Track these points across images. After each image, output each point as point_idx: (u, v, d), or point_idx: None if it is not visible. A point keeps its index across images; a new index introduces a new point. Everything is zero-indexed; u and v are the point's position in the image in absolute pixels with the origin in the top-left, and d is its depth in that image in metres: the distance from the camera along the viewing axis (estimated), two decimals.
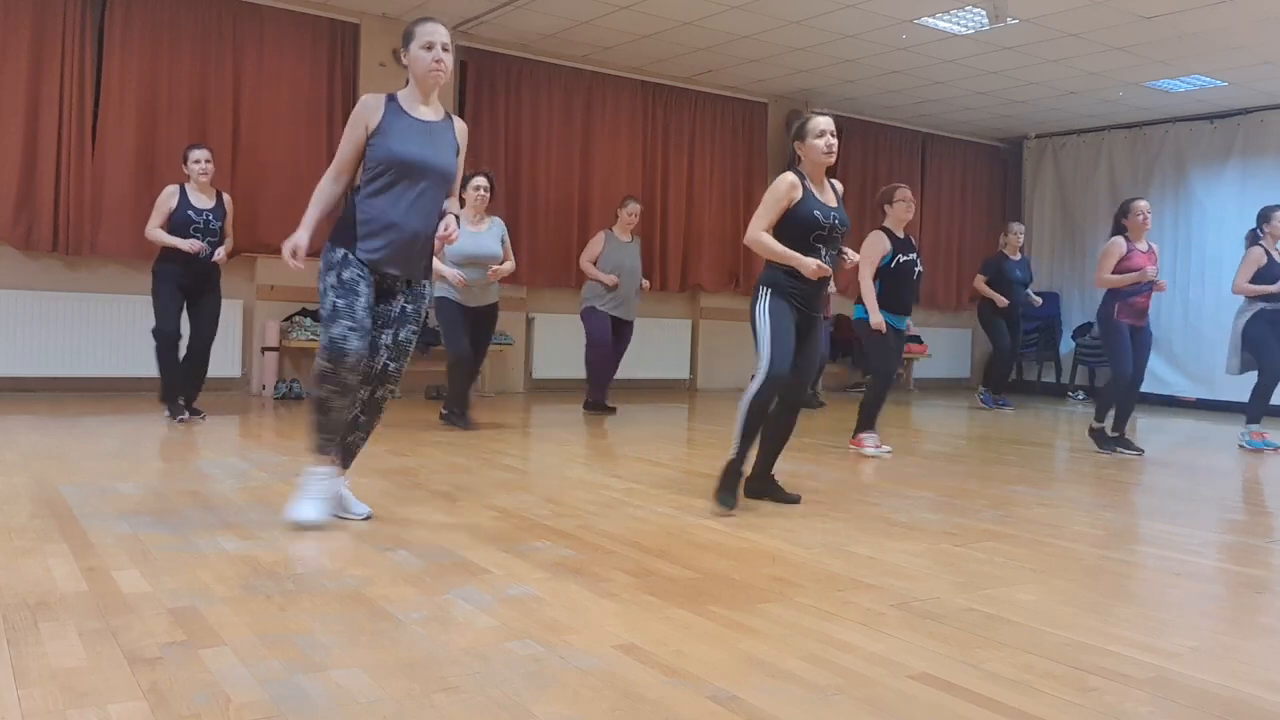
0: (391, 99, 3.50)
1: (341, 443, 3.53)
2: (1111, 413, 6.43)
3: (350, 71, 8.65)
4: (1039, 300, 9.82)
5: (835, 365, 11.32)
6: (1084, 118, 11.32)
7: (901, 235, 6.05)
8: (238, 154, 8.11)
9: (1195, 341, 10.78)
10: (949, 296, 12.41)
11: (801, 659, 2.28)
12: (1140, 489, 5.25)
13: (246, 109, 8.16)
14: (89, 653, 2.14)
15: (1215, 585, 3.20)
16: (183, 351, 6.17)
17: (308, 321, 8.28)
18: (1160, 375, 11.10)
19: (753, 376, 4.05)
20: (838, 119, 9.66)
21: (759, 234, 4.10)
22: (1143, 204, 6.32)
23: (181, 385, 6.19)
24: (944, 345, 12.34)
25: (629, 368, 8.48)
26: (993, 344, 9.63)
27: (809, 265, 3.98)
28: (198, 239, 6.03)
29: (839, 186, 4.34)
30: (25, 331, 7.35)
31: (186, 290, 6.14)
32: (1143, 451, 6.41)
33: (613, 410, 7.72)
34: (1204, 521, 4.29)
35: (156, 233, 6.04)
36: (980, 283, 9.39)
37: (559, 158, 9.65)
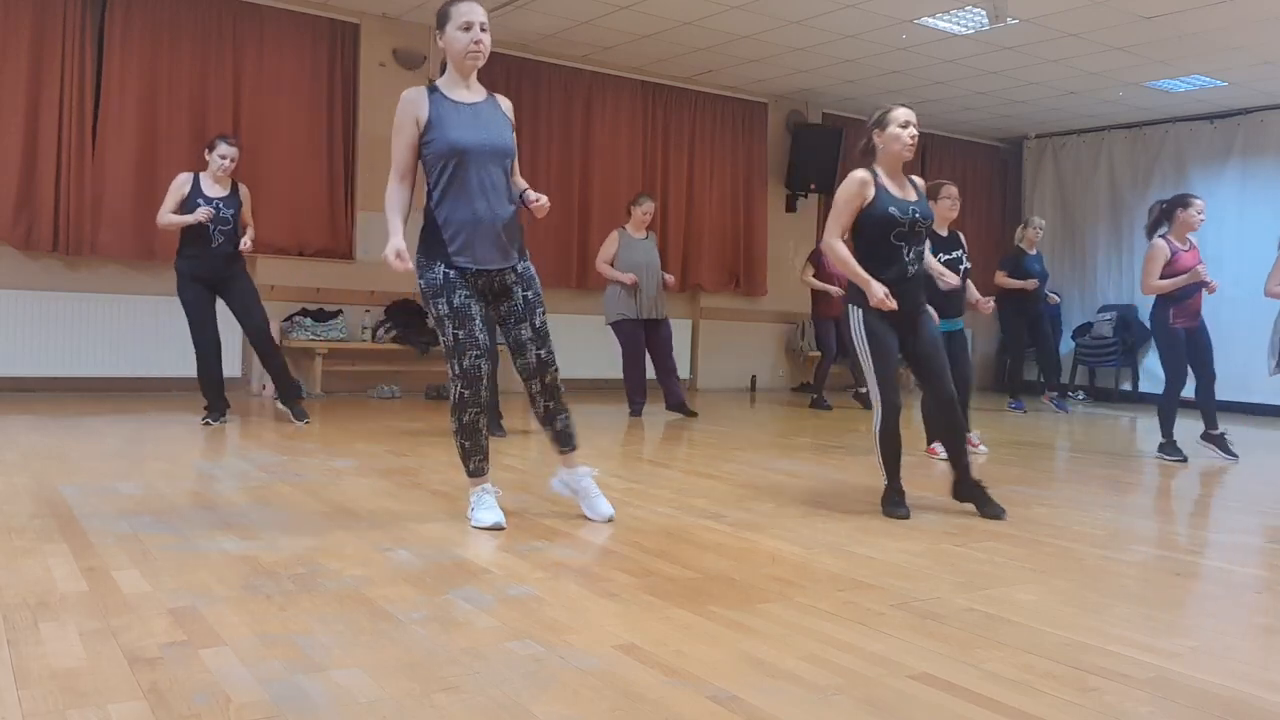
0: (433, 89, 3.41)
1: (554, 434, 3.66)
2: (1165, 419, 6.20)
3: (350, 71, 8.65)
4: (1056, 298, 9.66)
5: (836, 365, 11.31)
6: (1084, 118, 11.32)
7: (945, 233, 5.75)
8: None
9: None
10: None
11: (801, 659, 2.28)
12: (1140, 489, 5.25)
13: (246, 109, 8.16)
14: (89, 653, 2.14)
15: (1215, 585, 3.20)
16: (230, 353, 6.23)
17: (308, 321, 8.29)
18: (1160, 375, 11.09)
19: (874, 412, 4.02)
20: (837, 119, 9.57)
21: (833, 242, 3.93)
22: (1200, 201, 5.96)
23: (221, 390, 6.10)
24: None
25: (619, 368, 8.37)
26: (1007, 344, 9.41)
27: (875, 294, 3.79)
28: (209, 228, 5.86)
29: (919, 182, 4.11)
30: (25, 331, 7.35)
31: (212, 285, 5.98)
32: (1237, 458, 6.15)
33: (694, 414, 7.59)
34: (1204, 521, 4.29)
35: (166, 217, 5.88)
36: (1001, 278, 9.04)
37: (559, 158, 9.65)
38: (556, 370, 3.60)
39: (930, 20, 8.12)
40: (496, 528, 3.44)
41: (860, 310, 3.92)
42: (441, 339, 3.43)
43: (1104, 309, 11.60)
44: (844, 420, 8.20)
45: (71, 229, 7.48)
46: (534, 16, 8.41)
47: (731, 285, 10.82)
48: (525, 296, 3.53)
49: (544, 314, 3.56)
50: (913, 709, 2.02)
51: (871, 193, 3.87)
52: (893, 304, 3.79)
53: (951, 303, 5.53)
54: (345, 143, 8.66)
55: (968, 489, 4.11)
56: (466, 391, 3.41)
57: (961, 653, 2.37)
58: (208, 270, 5.93)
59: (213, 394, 6.08)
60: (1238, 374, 9.95)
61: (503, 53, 9.27)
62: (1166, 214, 6.02)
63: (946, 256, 5.55)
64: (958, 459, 4.13)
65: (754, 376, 11.05)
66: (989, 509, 4.03)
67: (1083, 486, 5.16)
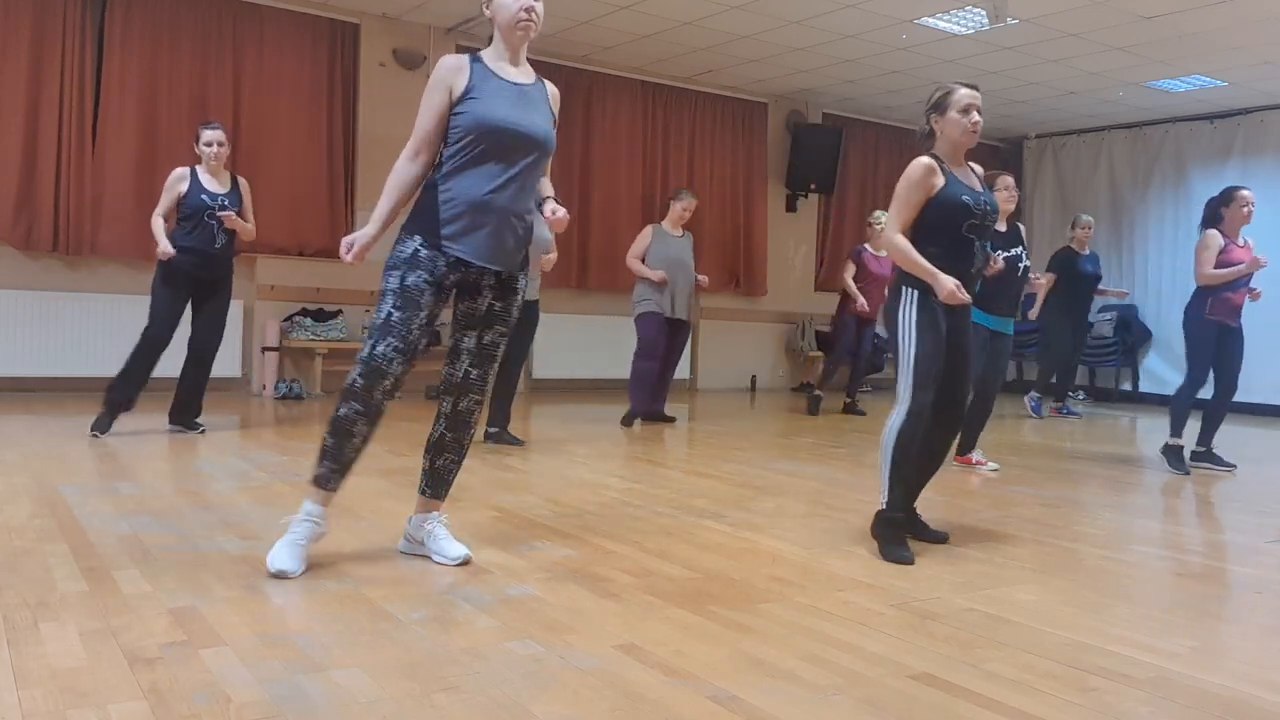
0: (476, 59, 2.99)
1: (429, 469, 3.12)
2: (1176, 425, 5.89)
3: (350, 71, 8.65)
4: (1125, 292, 9.39)
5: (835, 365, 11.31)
6: (1084, 118, 11.32)
7: (1004, 227, 5.34)
8: (237, 154, 8.07)
9: None
10: None
11: (801, 659, 2.28)
12: (1140, 489, 5.25)
13: (246, 109, 8.17)
14: (89, 653, 2.14)
15: (1215, 585, 3.20)
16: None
17: (308, 321, 8.29)
18: (1160, 375, 11.10)
19: (893, 408, 3.47)
20: (837, 119, 9.48)
21: (895, 236, 3.47)
22: (1248, 193, 5.72)
23: (132, 400, 5.53)
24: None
25: (625, 368, 8.30)
26: (1053, 348, 8.99)
27: (944, 286, 3.34)
28: (213, 226, 5.46)
29: (979, 170, 3.72)
30: (25, 331, 7.35)
31: (194, 288, 5.56)
32: (1234, 467, 5.89)
33: (671, 420, 7.30)
34: (1204, 521, 4.29)
35: (155, 222, 5.48)
36: (1046, 281, 8.41)
37: (559, 157, 9.60)
38: (479, 403, 3.08)
39: (930, 20, 8.12)
40: (281, 575, 2.78)
41: (916, 293, 3.45)
42: (375, 316, 2.90)
43: (1104, 309, 11.59)
44: (846, 420, 8.20)
45: (71, 229, 7.48)
46: None
47: (731, 285, 10.82)
48: (492, 305, 3.04)
49: (502, 338, 3.07)
50: (913, 709, 2.02)
51: (940, 181, 3.45)
52: (965, 296, 3.37)
53: (1005, 300, 5.28)
54: (345, 143, 8.66)
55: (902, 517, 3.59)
56: (361, 381, 2.84)
57: (961, 653, 2.37)
58: (200, 270, 5.51)
59: (126, 393, 5.48)
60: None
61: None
62: (1215, 210, 5.79)
63: (1006, 254, 5.16)
64: (921, 481, 3.69)
65: (754, 376, 11.05)
66: (929, 533, 3.65)
67: (1083, 486, 5.16)
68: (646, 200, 10.17)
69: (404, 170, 2.95)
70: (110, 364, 7.69)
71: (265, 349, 8.18)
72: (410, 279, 2.87)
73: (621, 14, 8.29)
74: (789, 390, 11.16)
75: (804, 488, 4.67)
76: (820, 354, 11.19)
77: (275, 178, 8.13)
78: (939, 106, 3.59)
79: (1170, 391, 10.75)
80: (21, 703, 1.87)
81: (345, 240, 2.91)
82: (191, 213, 5.46)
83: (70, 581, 2.66)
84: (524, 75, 3.05)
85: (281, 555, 2.83)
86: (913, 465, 3.48)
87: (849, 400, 8.67)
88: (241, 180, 5.79)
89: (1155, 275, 11.22)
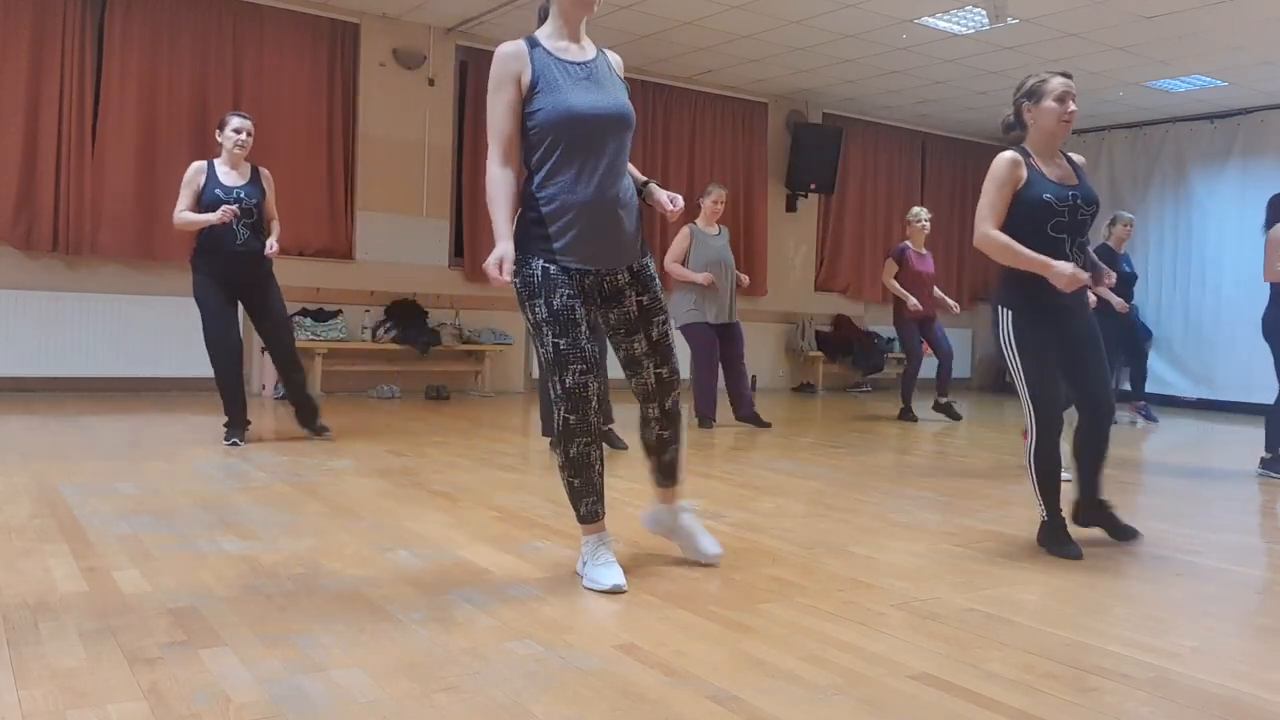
0: (533, 44, 2.82)
1: (659, 466, 3.10)
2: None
3: (350, 71, 8.65)
4: (1126, 306, 8.52)
5: (835, 365, 11.34)
6: (1084, 118, 11.29)
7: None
8: None
9: (1195, 341, 10.80)
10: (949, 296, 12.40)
11: (801, 659, 2.28)
12: (1140, 489, 5.25)
13: (246, 109, 8.09)
14: (89, 653, 2.14)
15: (1215, 585, 3.20)
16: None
17: (308, 321, 8.29)
18: (1160, 375, 11.10)
19: (1024, 431, 3.48)
20: (837, 119, 9.40)
21: (989, 231, 3.35)
22: None
23: (243, 404, 5.35)
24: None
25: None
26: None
27: (1062, 272, 3.20)
28: (232, 224, 5.17)
29: (1079, 160, 3.56)
30: (25, 331, 7.34)
31: (235, 287, 5.29)
32: None
33: (767, 425, 6.99)
34: (1204, 521, 4.29)
35: (183, 215, 5.16)
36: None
37: None
38: (679, 395, 3.03)
39: (930, 20, 8.12)
40: (616, 590, 2.77)
41: (1010, 314, 3.39)
42: (539, 350, 2.82)
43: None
44: (847, 421, 8.20)
45: (71, 229, 7.48)
46: (534, 16, 8.40)
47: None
48: (640, 302, 2.90)
49: (666, 323, 2.95)
50: (913, 709, 2.02)
51: (1024, 175, 3.34)
52: (1085, 277, 3.23)
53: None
54: (345, 143, 8.66)
55: (1094, 513, 3.69)
56: (572, 417, 2.77)
57: (961, 653, 2.37)
58: (232, 273, 5.24)
59: (234, 408, 5.33)
60: (1239, 374, 9.98)
61: None
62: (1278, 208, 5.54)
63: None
64: (1090, 480, 3.64)
65: (754, 376, 11.02)
66: (1120, 530, 3.66)
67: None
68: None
69: (502, 177, 2.79)
70: (110, 364, 7.77)
71: (265, 350, 8.18)
72: (557, 301, 2.75)
73: (621, 14, 8.29)
74: (789, 390, 11.16)
75: (804, 488, 4.67)
76: (820, 354, 11.20)
77: (275, 177, 8.08)
78: (1034, 94, 3.43)
79: (1170, 392, 10.84)
80: (21, 703, 1.87)
81: (491, 261, 2.71)
82: (206, 207, 5.15)
83: (70, 581, 2.66)
84: (586, 51, 2.87)
85: (609, 573, 2.81)
86: (1058, 475, 3.49)
87: (941, 401, 8.09)
88: (263, 170, 5.49)
89: (1155, 275, 11.21)
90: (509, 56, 2.78)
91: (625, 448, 5.47)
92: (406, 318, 8.58)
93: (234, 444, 5.23)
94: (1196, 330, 10.78)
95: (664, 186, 9.36)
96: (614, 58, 2.95)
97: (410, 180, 8.85)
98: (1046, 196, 3.33)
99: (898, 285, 7.84)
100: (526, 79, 2.76)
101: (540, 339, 2.80)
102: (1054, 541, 3.47)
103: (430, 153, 8.94)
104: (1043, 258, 3.26)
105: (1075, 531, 3.57)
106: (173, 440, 5.40)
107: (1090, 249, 3.54)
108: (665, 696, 2.03)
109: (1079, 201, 3.36)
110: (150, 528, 3.32)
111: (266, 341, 5.59)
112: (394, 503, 3.92)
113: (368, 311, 8.62)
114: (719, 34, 8.75)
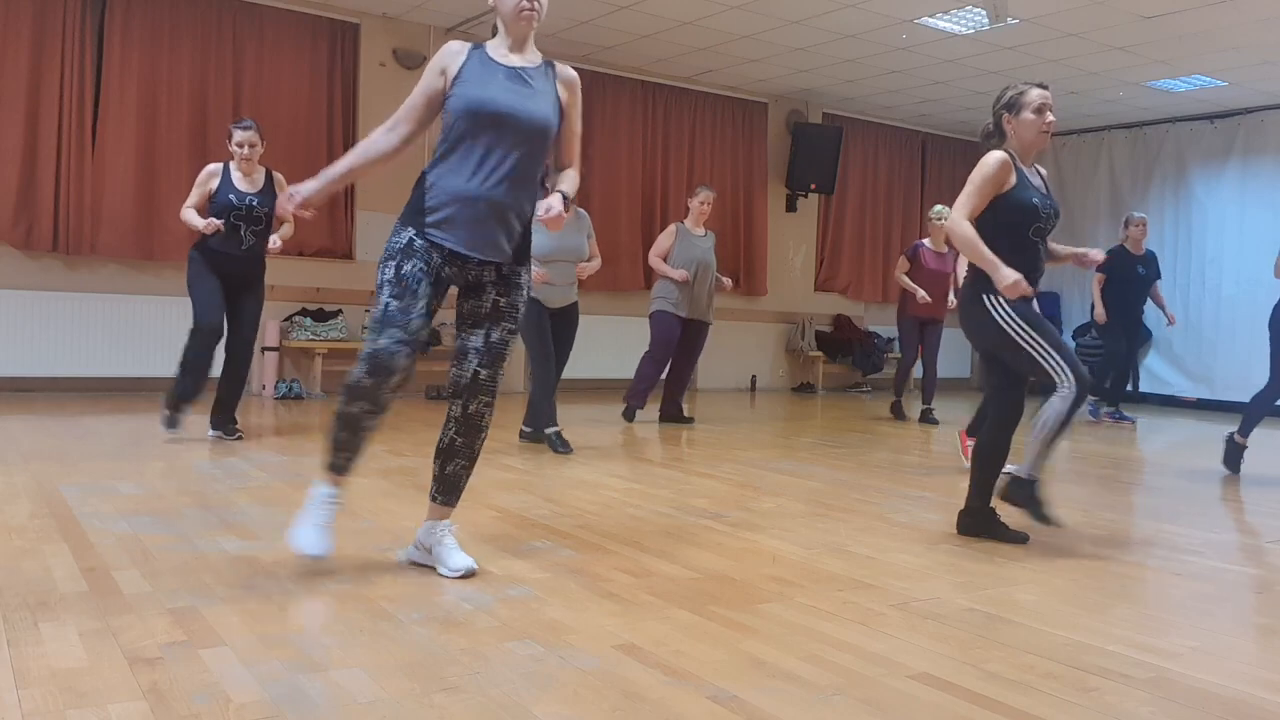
0: (477, 47, 2.89)
1: (439, 475, 2.98)
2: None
3: (350, 71, 8.65)
4: (1173, 316, 8.55)
5: (835, 365, 11.34)
6: (1084, 118, 11.32)
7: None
8: None
9: (1195, 341, 10.80)
10: None
11: (801, 659, 2.28)
12: (1140, 489, 5.25)
13: (246, 109, 8.15)
14: (89, 653, 2.14)
15: (1215, 585, 3.20)
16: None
17: (308, 321, 8.29)
18: (1160, 375, 11.12)
19: (1055, 394, 3.45)
20: (837, 119, 9.37)
21: (961, 222, 3.45)
22: None
23: (194, 394, 5.31)
24: (941, 345, 12.30)
25: (628, 366, 8.25)
26: (1105, 351, 8.59)
27: (1005, 279, 3.33)
28: (239, 228, 5.24)
29: (1044, 172, 3.76)
30: (25, 331, 7.35)
31: (227, 281, 5.32)
32: (1238, 475, 5.70)
33: (689, 420, 7.23)
34: (1204, 521, 4.29)
35: (186, 214, 5.27)
36: (1097, 284, 8.21)
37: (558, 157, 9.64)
38: (489, 406, 2.93)
39: (930, 20, 8.12)
40: (311, 557, 2.81)
41: (999, 297, 3.46)
42: (373, 310, 2.82)
43: None
44: (847, 421, 8.20)
45: (71, 229, 7.48)
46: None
47: (731, 285, 10.80)
48: (497, 302, 2.89)
49: (510, 334, 2.92)
50: (913, 709, 2.02)
51: (1013, 178, 3.45)
52: (1028, 288, 3.37)
53: None
54: (345, 143, 8.65)
55: (979, 517, 3.72)
56: (368, 381, 2.72)
57: (961, 653, 2.37)
58: (229, 270, 5.31)
59: (183, 386, 5.26)
60: (1238, 374, 9.98)
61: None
62: None
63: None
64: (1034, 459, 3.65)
65: (754, 376, 11.05)
66: (1007, 535, 3.65)
67: (1083, 487, 5.16)
68: (646, 200, 10.18)
69: (375, 137, 2.89)
70: (110, 364, 7.78)
71: (265, 349, 8.18)
72: (406, 267, 2.77)
73: (621, 14, 8.29)
74: (789, 390, 11.16)
75: (804, 488, 4.67)
76: (820, 354, 11.21)
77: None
78: (1013, 106, 3.57)
79: (1170, 392, 10.84)
80: (21, 703, 1.87)
81: (298, 187, 2.85)
82: (217, 213, 5.22)
83: (70, 581, 2.66)
84: (526, 60, 2.90)
85: (310, 537, 2.81)
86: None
87: (926, 409, 8.07)
88: (277, 176, 5.50)
89: None
90: (449, 51, 2.87)
91: (570, 452, 5.51)
92: None
93: (175, 430, 5.29)
94: (1196, 330, 10.78)
95: (664, 186, 9.27)
96: (565, 72, 2.97)
97: (410, 180, 8.71)
98: (1035, 201, 3.46)
99: (907, 280, 7.82)
100: (452, 73, 2.83)
101: (377, 298, 2.79)
102: (1032, 504, 3.58)
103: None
104: (995, 260, 3.39)
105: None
106: (173, 440, 5.40)
107: (1058, 248, 3.72)
108: (665, 696, 2.03)
109: (1053, 212, 3.54)
110: (150, 528, 3.32)
111: (230, 341, 5.49)
112: (394, 503, 3.92)
113: (368, 311, 8.61)
114: (719, 34, 8.75)
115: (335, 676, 2.07)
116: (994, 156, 3.48)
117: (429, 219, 2.81)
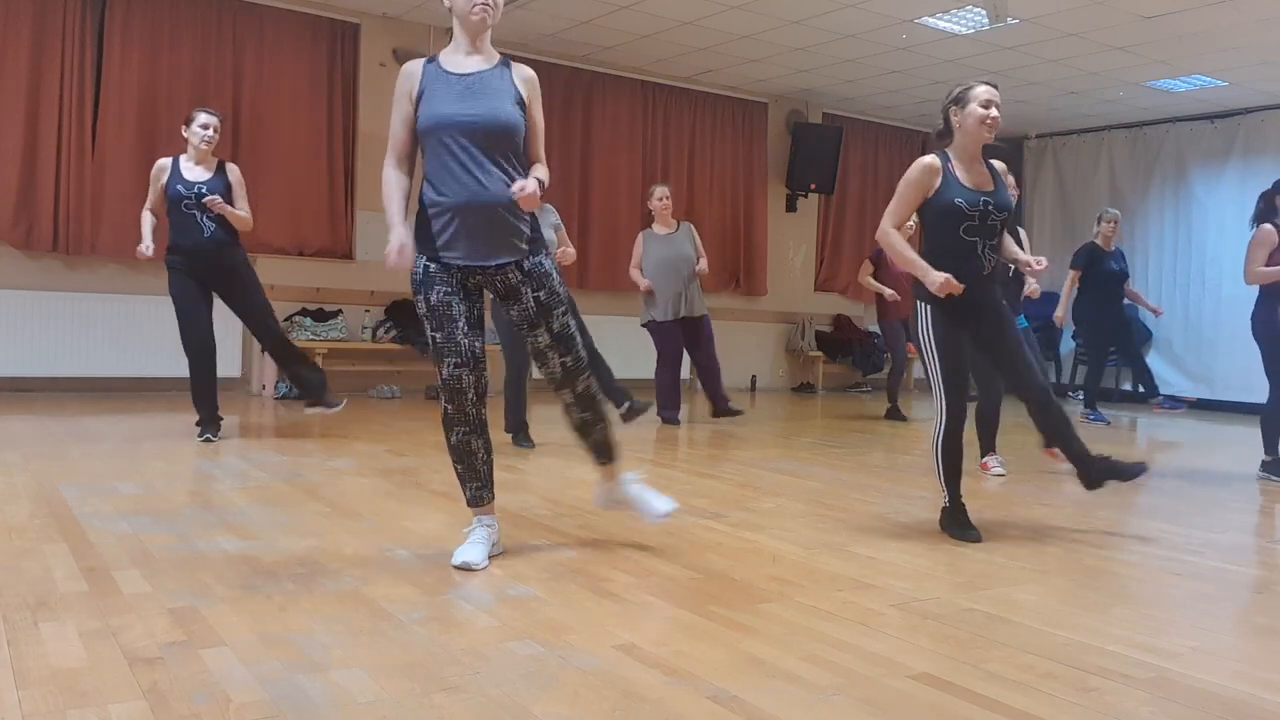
0: (430, 60, 2.99)
1: (590, 448, 3.24)
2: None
3: (350, 71, 8.65)
4: (1159, 309, 8.48)
5: (835, 365, 11.34)
6: (1084, 118, 11.31)
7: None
8: (237, 154, 8.09)
9: (1195, 341, 10.80)
10: None
11: (801, 659, 2.28)
12: (1140, 489, 5.24)
13: (246, 109, 8.17)
14: (89, 653, 2.14)
15: (1215, 585, 3.20)
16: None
17: (308, 321, 8.29)
18: (1160, 375, 11.09)
19: (935, 418, 3.62)
20: (837, 119, 9.40)
21: (888, 229, 3.60)
22: None
23: (214, 401, 5.41)
24: None
25: (629, 367, 7.90)
26: (1085, 349, 8.45)
27: (934, 281, 3.44)
28: (194, 216, 5.21)
29: (1000, 167, 3.79)
30: (25, 331, 7.34)
31: (206, 278, 5.34)
32: None
33: (739, 412, 7.15)
34: (1204, 521, 4.29)
35: (143, 217, 5.35)
36: (1070, 281, 8.20)
37: (559, 158, 9.63)
38: (588, 376, 3.13)
39: (930, 20, 8.12)
40: (465, 568, 2.93)
41: (928, 307, 3.57)
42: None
43: None
44: (847, 421, 8.20)
45: (71, 229, 7.48)
46: (534, 16, 8.41)
47: (731, 285, 10.81)
48: (537, 298, 2.99)
49: (565, 314, 3.04)
50: (913, 709, 2.02)
51: (938, 181, 3.56)
52: (957, 286, 3.43)
53: (1009, 294, 5.07)
54: (345, 143, 8.66)
55: (1098, 472, 3.76)
56: (449, 407, 2.98)
57: (961, 653, 2.37)
58: (200, 265, 5.29)
59: (204, 405, 5.39)
60: (1239, 374, 9.97)
61: (502, 52, 9.25)
62: (1269, 202, 5.49)
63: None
64: (1078, 452, 3.75)
65: (754, 376, 11.05)
66: (1128, 471, 3.72)
67: (1083, 487, 5.15)
68: (646, 200, 10.15)
69: (393, 179, 3.01)
70: (110, 364, 7.77)
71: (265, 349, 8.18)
72: (433, 297, 2.94)
73: (621, 14, 8.29)
74: (789, 390, 11.16)
75: (804, 488, 4.67)
76: (820, 354, 11.21)
77: (275, 177, 8.13)
78: (959, 100, 3.66)
79: (1170, 392, 10.82)
80: (21, 703, 1.87)
81: (390, 248, 2.89)
82: (170, 205, 5.23)
83: (70, 581, 2.66)
84: (480, 63, 2.99)
85: (469, 551, 2.98)
86: (960, 463, 3.66)
87: (891, 405, 8.17)
88: (231, 166, 5.46)
89: (1155, 275, 11.21)
90: (405, 75, 2.99)
91: (532, 446, 5.60)
92: (407, 318, 8.58)
93: (207, 440, 5.30)
94: (1196, 330, 10.78)
95: (664, 187, 9.26)
96: (520, 70, 3.08)
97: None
98: (958, 201, 3.53)
99: (873, 282, 7.86)
100: (415, 93, 2.96)
101: (425, 333, 2.98)
102: (955, 525, 3.64)
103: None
104: (923, 264, 3.50)
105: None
106: (173, 440, 5.40)
107: (1020, 247, 3.77)
108: (665, 696, 2.03)
109: (990, 207, 3.56)
110: (150, 528, 3.32)
111: (251, 330, 5.62)
112: (394, 503, 3.92)
113: (368, 311, 8.62)
114: (719, 34, 8.75)
115: (335, 676, 2.07)
116: (918, 162, 3.63)
117: (437, 242, 2.94)
